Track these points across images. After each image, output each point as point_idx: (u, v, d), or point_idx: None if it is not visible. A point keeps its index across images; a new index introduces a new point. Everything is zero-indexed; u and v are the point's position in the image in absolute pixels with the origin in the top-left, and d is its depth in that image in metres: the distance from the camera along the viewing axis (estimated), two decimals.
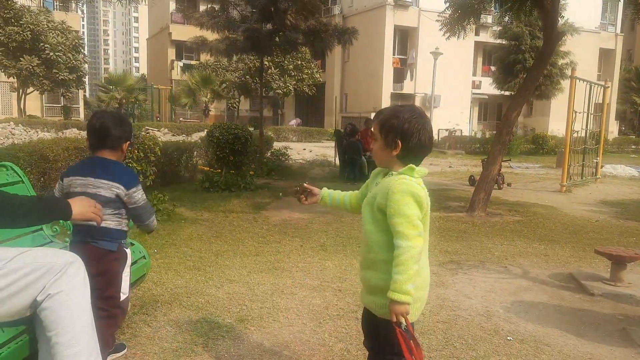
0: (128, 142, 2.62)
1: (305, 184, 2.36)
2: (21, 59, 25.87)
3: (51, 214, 2.21)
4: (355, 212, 2.31)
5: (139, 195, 2.57)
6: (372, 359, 2.22)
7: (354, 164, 11.29)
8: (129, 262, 2.67)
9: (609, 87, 12.67)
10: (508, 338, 3.22)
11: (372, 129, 2.10)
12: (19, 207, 2.07)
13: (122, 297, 2.62)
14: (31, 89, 28.41)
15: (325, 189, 2.39)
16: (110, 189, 2.49)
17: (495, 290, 4.17)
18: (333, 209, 2.44)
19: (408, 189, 1.94)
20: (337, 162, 12.65)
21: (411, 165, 2.00)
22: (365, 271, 2.11)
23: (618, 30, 39.19)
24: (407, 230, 1.90)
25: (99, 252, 2.48)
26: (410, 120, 1.99)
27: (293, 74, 31.68)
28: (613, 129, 36.68)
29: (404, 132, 1.98)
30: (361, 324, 2.26)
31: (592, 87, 11.53)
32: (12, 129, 20.57)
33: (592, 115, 11.91)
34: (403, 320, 1.90)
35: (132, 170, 2.69)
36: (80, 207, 2.22)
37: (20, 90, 28.14)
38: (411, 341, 1.89)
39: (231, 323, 3.28)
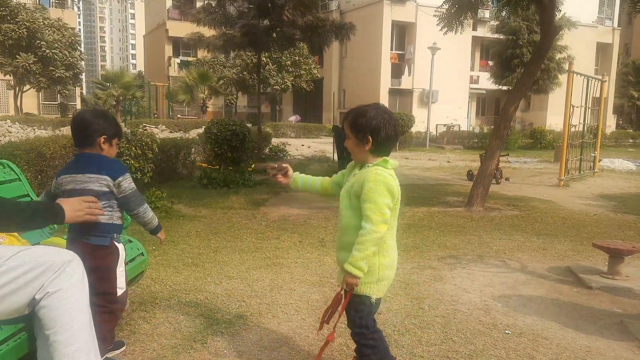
0: (104, 136, 2.55)
1: (283, 164, 2.55)
2: (17, 56, 25.79)
3: (45, 220, 2.23)
4: (324, 195, 2.67)
5: (126, 183, 2.55)
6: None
7: (351, 160, 11.27)
8: (122, 256, 2.66)
9: (606, 81, 12.69)
10: (506, 332, 3.22)
11: (345, 128, 2.33)
12: (18, 214, 2.10)
13: (119, 292, 2.62)
14: (28, 86, 28.34)
15: (297, 172, 2.66)
16: (98, 181, 2.49)
17: (493, 284, 4.18)
18: (303, 191, 2.69)
19: (381, 179, 2.20)
20: (336, 157, 12.64)
21: (385, 158, 2.27)
22: (340, 252, 2.35)
23: (615, 25, 39.19)
24: (374, 216, 2.17)
25: (91, 248, 2.47)
26: (376, 116, 2.24)
27: (291, 70, 31.61)
28: (610, 123, 36.75)
29: (373, 128, 2.23)
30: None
31: (590, 81, 11.55)
32: (9, 126, 20.52)
33: (589, 110, 11.92)
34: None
35: (117, 161, 2.63)
36: (72, 211, 2.25)
37: (17, 88, 28.06)
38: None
39: (230, 319, 3.29)
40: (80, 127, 2.56)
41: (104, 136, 2.55)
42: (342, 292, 2.33)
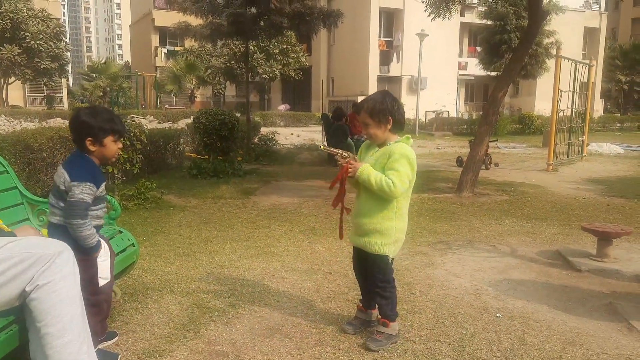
0: (89, 139, 2.50)
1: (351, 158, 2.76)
2: (1, 48, 25.43)
3: None
4: None
5: (77, 190, 2.42)
6: (365, 290, 2.97)
7: (341, 148, 11.26)
8: (105, 249, 2.63)
9: (593, 65, 12.75)
10: (497, 315, 3.26)
11: (361, 119, 2.71)
12: None
13: (102, 282, 2.59)
14: (13, 78, 27.97)
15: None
16: (61, 177, 2.46)
17: (484, 269, 4.22)
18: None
19: (405, 152, 2.62)
20: (325, 145, 12.63)
21: (407, 135, 2.72)
22: (360, 218, 2.76)
23: (602, 9, 39.32)
24: (397, 181, 2.56)
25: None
26: (390, 100, 2.69)
27: (279, 58, 31.48)
28: (598, 107, 36.98)
29: (390, 110, 2.66)
30: (352, 262, 3.01)
31: (577, 65, 11.60)
32: None
33: (577, 94, 11.98)
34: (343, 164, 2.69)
35: (89, 169, 2.51)
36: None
37: (2, 80, 27.71)
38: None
39: (222, 308, 3.29)
40: (71, 128, 2.56)
41: (89, 139, 2.50)
42: (348, 166, 2.69)
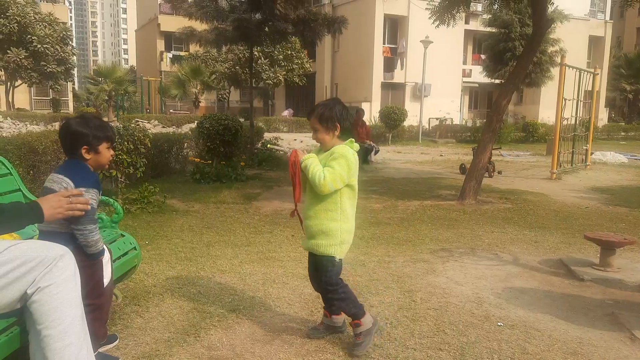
0: (85, 147, 2.48)
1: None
2: (8, 51, 25.57)
3: (25, 220, 2.14)
4: None
5: (86, 197, 2.37)
6: (323, 296, 2.95)
7: None
8: (107, 250, 2.65)
9: (598, 74, 12.74)
10: (498, 324, 3.24)
11: (311, 123, 2.78)
12: None
13: (106, 281, 2.60)
14: (19, 81, 28.12)
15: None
16: (60, 183, 2.42)
17: (485, 277, 4.20)
18: None
19: (345, 153, 2.68)
20: None
21: (351, 139, 2.79)
22: (307, 221, 2.80)
23: (607, 18, 39.33)
24: (328, 176, 2.61)
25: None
26: (340, 108, 2.76)
27: (283, 64, 31.52)
28: (603, 116, 36.91)
29: (339, 118, 2.74)
30: (308, 269, 3.01)
31: (582, 74, 11.58)
32: (1, 122, 20.40)
33: (581, 103, 11.96)
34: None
35: (92, 175, 2.52)
36: (50, 209, 2.17)
37: (9, 83, 27.84)
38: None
39: (223, 313, 3.29)
40: (63, 138, 2.54)
41: (84, 147, 2.49)
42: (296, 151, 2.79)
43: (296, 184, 2.80)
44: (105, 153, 2.58)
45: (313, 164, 2.67)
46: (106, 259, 2.62)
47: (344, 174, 2.65)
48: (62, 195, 2.26)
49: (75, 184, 2.43)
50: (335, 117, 2.72)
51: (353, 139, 2.80)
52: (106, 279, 2.62)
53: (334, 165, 2.64)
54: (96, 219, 2.53)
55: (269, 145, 2.73)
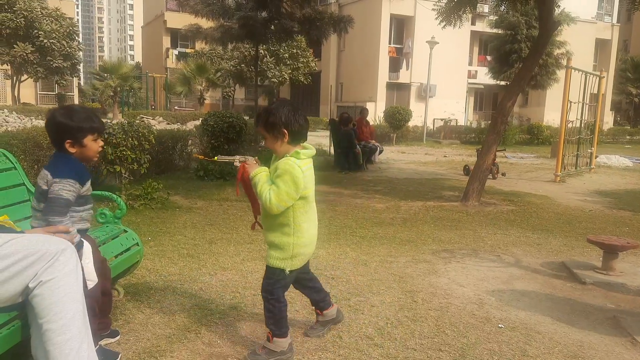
0: (68, 141, 2.46)
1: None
2: (15, 46, 25.64)
3: None
4: None
5: (55, 187, 2.40)
6: (310, 296, 2.96)
7: (347, 153, 11.28)
8: (87, 249, 2.51)
9: (604, 77, 12.69)
10: (499, 325, 3.24)
11: (258, 131, 2.66)
12: None
13: (90, 284, 2.47)
14: (25, 76, 28.20)
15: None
16: (44, 178, 2.44)
17: (487, 278, 4.20)
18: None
19: (289, 168, 2.48)
20: (332, 151, 12.65)
21: (297, 150, 2.56)
22: (265, 231, 2.70)
23: (614, 21, 39.18)
24: (274, 197, 2.47)
25: None
26: (285, 112, 2.53)
27: (288, 62, 31.52)
28: (608, 119, 36.80)
29: (286, 122, 2.52)
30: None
31: (588, 77, 11.54)
32: (6, 116, 20.46)
33: (587, 106, 11.92)
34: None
35: (72, 166, 2.47)
36: None
37: (14, 78, 27.92)
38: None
39: (224, 310, 3.29)
40: (49, 131, 2.51)
41: (68, 141, 2.46)
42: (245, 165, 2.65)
43: (252, 199, 2.70)
44: (92, 145, 2.53)
45: (261, 181, 2.52)
46: (87, 259, 2.49)
47: (291, 191, 2.48)
48: (49, 231, 2.30)
49: (53, 176, 2.42)
50: (280, 123, 2.51)
51: (298, 150, 2.57)
52: (92, 279, 2.49)
53: (279, 184, 2.47)
54: (64, 211, 2.43)
55: (216, 158, 2.68)
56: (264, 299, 2.71)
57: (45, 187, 2.44)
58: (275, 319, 2.68)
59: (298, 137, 2.58)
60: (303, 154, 2.55)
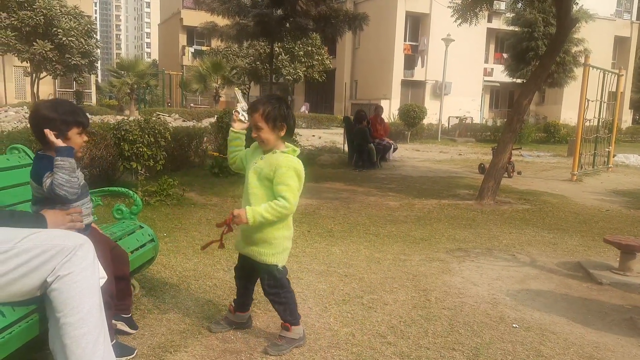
0: (54, 133, 2.39)
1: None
2: (34, 43, 25.92)
3: (27, 227, 2.19)
4: (232, 164, 2.96)
5: (47, 182, 2.36)
6: (241, 294, 2.96)
7: (361, 151, 11.27)
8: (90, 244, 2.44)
9: (623, 75, 12.51)
10: (513, 325, 3.22)
11: (254, 121, 2.62)
12: (10, 219, 2.18)
13: (101, 282, 2.36)
14: (44, 73, 28.51)
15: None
16: (34, 188, 2.43)
17: (502, 278, 4.17)
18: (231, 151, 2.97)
19: (294, 164, 2.58)
20: (346, 148, 12.64)
21: (294, 147, 2.67)
22: (249, 230, 2.68)
23: (634, 18, 38.56)
24: (289, 196, 2.54)
25: None
26: (286, 107, 2.64)
27: (303, 60, 31.53)
28: (627, 118, 36.24)
29: (286, 117, 2.62)
30: (235, 268, 2.97)
31: (606, 75, 11.39)
32: (26, 113, 20.75)
33: (605, 104, 11.77)
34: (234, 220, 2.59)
35: (50, 159, 2.40)
36: (53, 223, 2.30)
37: (34, 75, 28.23)
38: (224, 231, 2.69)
39: None
40: (33, 125, 2.45)
41: (53, 133, 2.39)
42: (230, 219, 2.63)
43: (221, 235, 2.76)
44: (76, 139, 2.47)
45: (261, 211, 2.53)
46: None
47: (299, 185, 2.60)
48: (65, 212, 2.37)
49: (37, 181, 2.41)
50: (283, 117, 2.60)
51: (295, 148, 2.70)
52: (102, 276, 2.38)
53: (289, 182, 2.54)
54: (73, 192, 2.40)
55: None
56: (274, 297, 2.76)
57: (41, 194, 2.43)
58: (290, 309, 2.78)
59: (290, 133, 2.68)
60: (296, 152, 2.68)
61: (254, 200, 2.63)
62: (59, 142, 2.39)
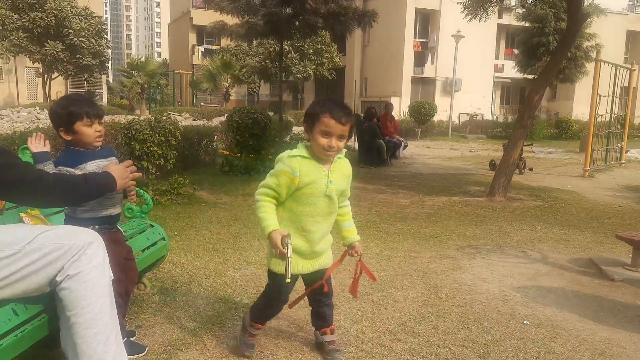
0: (61, 129, 2.45)
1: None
2: (45, 44, 26.17)
3: (101, 190, 2.29)
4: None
5: (50, 167, 2.47)
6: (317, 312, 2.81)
7: (371, 148, 11.25)
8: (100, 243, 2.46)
9: (635, 70, 12.37)
10: (524, 322, 3.21)
11: (341, 131, 2.34)
12: (76, 189, 2.18)
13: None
14: (56, 74, 28.76)
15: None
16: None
17: (513, 274, 4.15)
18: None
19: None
20: (357, 146, 12.63)
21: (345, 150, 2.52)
22: (324, 243, 2.65)
23: None
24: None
25: None
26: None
27: (313, 58, 31.54)
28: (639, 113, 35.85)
29: None
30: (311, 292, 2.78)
31: (618, 70, 11.28)
32: (38, 113, 20.95)
33: (617, 99, 11.66)
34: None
35: (61, 157, 2.49)
36: (120, 178, 2.35)
37: (45, 76, 28.50)
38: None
39: (248, 304, 3.32)
40: (52, 123, 2.52)
41: (61, 129, 2.45)
42: (363, 263, 2.70)
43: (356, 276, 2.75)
44: (85, 131, 2.44)
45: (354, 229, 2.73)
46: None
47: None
48: (125, 165, 2.42)
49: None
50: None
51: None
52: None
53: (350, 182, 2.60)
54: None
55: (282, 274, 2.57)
56: (330, 300, 2.74)
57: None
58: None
59: None
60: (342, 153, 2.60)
61: (332, 220, 2.60)
62: (32, 148, 2.60)
